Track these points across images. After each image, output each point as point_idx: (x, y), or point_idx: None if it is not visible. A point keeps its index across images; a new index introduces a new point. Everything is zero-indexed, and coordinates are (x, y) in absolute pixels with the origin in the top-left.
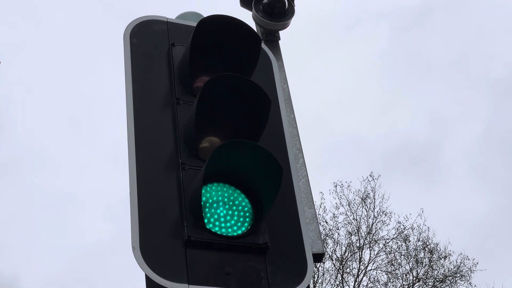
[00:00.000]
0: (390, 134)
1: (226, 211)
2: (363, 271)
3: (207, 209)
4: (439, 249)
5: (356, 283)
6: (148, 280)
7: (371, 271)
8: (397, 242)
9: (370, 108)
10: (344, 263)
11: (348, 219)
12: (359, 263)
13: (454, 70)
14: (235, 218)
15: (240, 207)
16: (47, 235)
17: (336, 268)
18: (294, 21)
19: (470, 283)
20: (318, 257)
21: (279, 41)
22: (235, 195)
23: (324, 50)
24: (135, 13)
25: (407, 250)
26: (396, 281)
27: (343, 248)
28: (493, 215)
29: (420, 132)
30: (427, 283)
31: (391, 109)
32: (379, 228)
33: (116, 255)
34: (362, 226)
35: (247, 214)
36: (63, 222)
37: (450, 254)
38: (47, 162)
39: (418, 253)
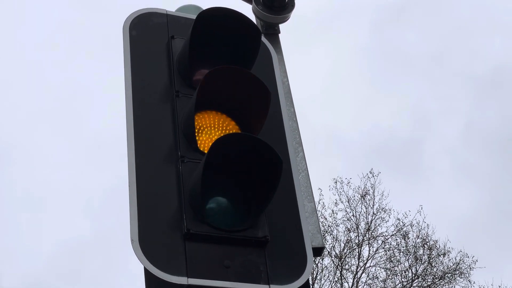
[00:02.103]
0: (372, 130)
1: (225, 204)
2: (362, 268)
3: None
4: (438, 246)
5: (355, 279)
6: (147, 273)
7: (370, 267)
8: (396, 239)
9: (351, 104)
10: (343, 259)
11: (347, 215)
12: (358, 259)
13: (435, 66)
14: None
15: (239, 200)
16: (26, 231)
17: (335, 264)
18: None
19: (469, 281)
20: (318, 251)
21: (279, 35)
22: (235, 188)
23: (302, 45)
24: (135, 5)
25: (406, 247)
26: (395, 278)
27: (342, 245)
28: (477, 211)
29: (402, 129)
30: (426, 280)
31: (372, 106)
32: (378, 225)
33: (96, 251)
34: (361, 223)
35: (247, 207)
36: (42, 218)
37: (449, 251)
38: (24, 157)
39: (417, 250)
